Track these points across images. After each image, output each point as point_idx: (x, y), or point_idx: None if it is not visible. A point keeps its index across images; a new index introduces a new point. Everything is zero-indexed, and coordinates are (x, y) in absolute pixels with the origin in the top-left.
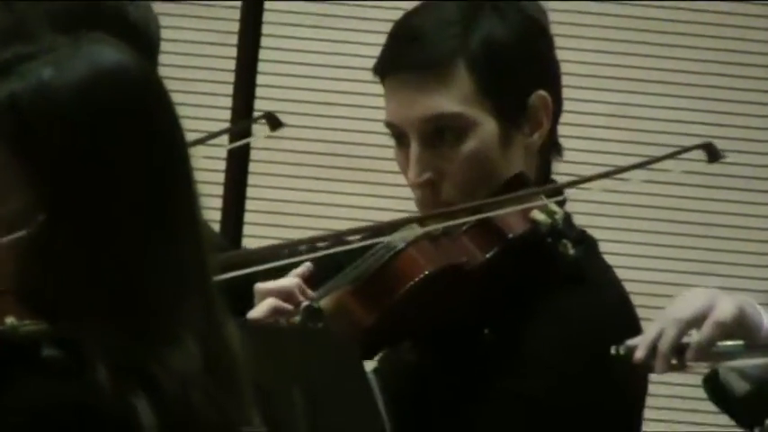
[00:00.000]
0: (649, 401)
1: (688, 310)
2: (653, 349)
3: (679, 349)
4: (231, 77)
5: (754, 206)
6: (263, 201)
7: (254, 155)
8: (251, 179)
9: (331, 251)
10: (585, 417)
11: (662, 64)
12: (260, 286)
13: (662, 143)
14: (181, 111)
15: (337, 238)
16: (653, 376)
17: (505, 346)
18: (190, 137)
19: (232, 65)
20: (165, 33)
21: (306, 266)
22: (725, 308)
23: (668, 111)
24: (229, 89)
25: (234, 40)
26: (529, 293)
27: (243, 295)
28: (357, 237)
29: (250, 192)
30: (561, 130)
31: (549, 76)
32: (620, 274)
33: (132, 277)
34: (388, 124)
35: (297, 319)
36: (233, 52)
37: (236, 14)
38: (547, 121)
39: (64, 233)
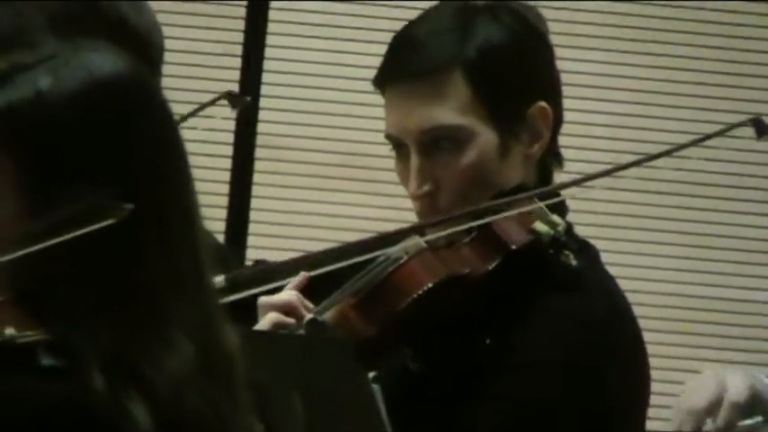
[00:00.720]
0: (653, 400)
1: (702, 400)
2: None
3: None
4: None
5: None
6: (267, 212)
7: (257, 166)
8: (255, 190)
9: (337, 266)
10: (583, 421)
11: (666, 75)
12: (263, 300)
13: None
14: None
15: (339, 251)
16: (654, 376)
17: (505, 354)
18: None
19: (237, 75)
20: (169, 45)
21: (302, 276)
22: (737, 388)
23: (671, 122)
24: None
25: (238, 50)
26: (529, 303)
27: (247, 309)
28: (358, 249)
29: (254, 203)
30: (562, 140)
31: (549, 85)
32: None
33: (126, 279)
34: (388, 136)
35: (300, 332)
36: (237, 64)
37: (241, 25)
38: (547, 131)
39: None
